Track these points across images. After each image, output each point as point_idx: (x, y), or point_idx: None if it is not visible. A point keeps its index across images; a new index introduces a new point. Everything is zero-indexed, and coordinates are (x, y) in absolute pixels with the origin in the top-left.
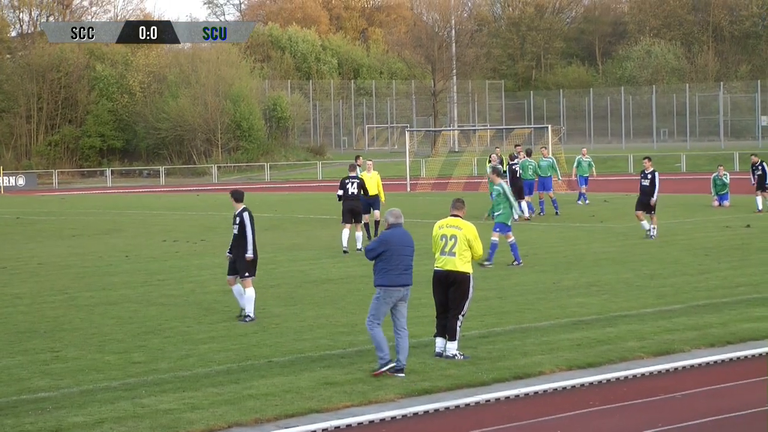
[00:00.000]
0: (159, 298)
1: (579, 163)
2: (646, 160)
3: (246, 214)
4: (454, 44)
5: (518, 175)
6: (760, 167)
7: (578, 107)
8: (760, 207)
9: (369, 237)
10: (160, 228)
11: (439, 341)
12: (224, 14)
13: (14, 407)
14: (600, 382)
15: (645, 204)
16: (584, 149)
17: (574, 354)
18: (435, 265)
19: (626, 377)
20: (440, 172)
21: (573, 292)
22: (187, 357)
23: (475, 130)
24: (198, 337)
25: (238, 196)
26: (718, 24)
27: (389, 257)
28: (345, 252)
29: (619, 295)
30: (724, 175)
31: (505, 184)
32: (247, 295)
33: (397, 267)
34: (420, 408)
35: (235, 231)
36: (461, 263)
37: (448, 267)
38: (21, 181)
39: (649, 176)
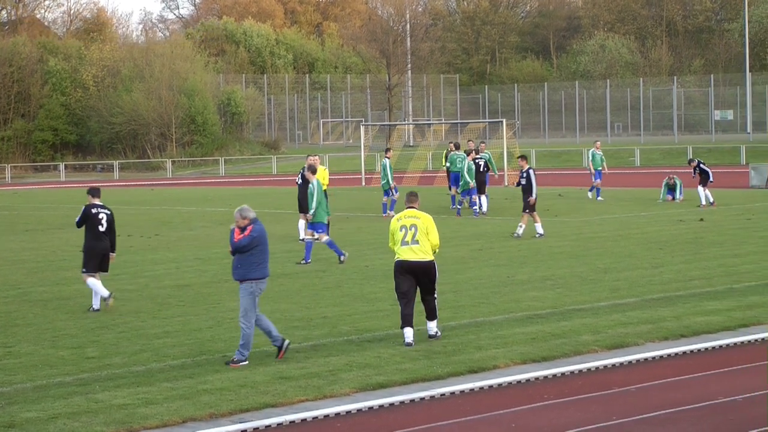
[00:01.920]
0: (113, 292)
1: (593, 156)
2: (521, 159)
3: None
4: (408, 38)
5: (481, 170)
6: (699, 167)
7: (533, 101)
8: (703, 201)
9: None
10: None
11: (408, 331)
12: (178, 8)
13: None
14: (554, 375)
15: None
16: (598, 142)
17: (529, 348)
18: (398, 257)
19: (580, 371)
20: (395, 166)
21: (527, 286)
22: (141, 352)
23: (430, 124)
24: (152, 332)
25: (94, 192)
26: (671, 18)
27: (261, 251)
28: (302, 241)
29: (573, 289)
30: (674, 178)
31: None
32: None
33: (264, 260)
34: (375, 402)
35: (104, 227)
36: (426, 251)
37: (412, 256)
38: None
39: (525, 175)
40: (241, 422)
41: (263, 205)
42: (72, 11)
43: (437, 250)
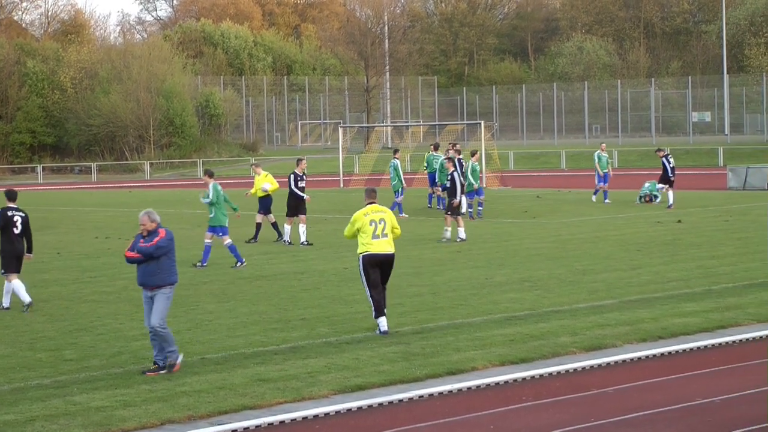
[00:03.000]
0: (91, 295)
1: (599, 158)
2: (448, 161)
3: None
4: (387, 40)
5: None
6: (666, 158)
7: (511, 103)
8: (671, 202)
9: (255, 236)
10: (92, 225)
11: (383, 320)
12: (156, 10)
13: None
14: (533, 377)
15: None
16: (603, 144)
17: (507, 349)
18: (368, 249)
19: (558, 372)
20: (373, 168)
21: (506, 288)
22: (119, 354)
23: (408, 126)
24: (130, 334)
25: (11, 195)
26: (649, 20)
27: (173, 255)
28: (290, 244)
29: (551, 291)
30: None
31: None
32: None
33: (175, 264)
34: (353, 404)
35: (18, 230)
36: (392, 244)
37: (383, 249)
38: None
39: (450, 177)
40: (219, 424)
41: (243, 207)
42: (49, 13)
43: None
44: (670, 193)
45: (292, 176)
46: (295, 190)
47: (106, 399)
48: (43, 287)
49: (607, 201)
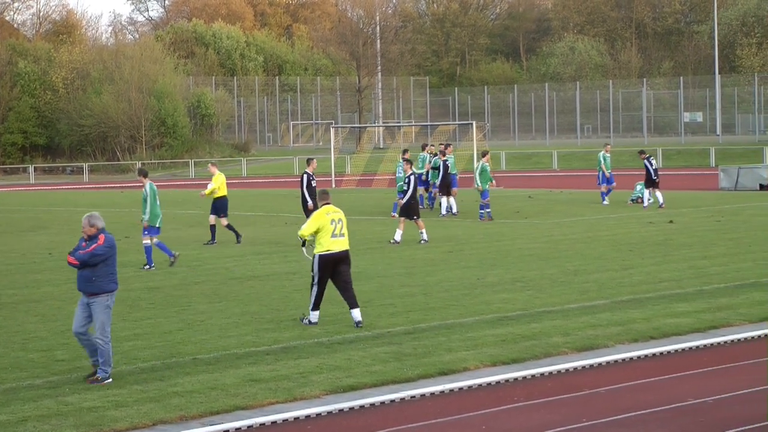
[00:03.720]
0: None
1: (604, 159)
2: (406, 163)
3: None
4: (378, 40)
5: (447, 171)
6: (648, 160)
7: (503, 103)
8: (661, 200)
9: (212, 238)
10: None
11: (356, 312)
12: (148, 10)
13: None
14: (524, 377)
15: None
16: (608, 145)
17: (499, 350)
18: (326, 248)
19: (550, 372)
20: (365, 168)
21: (498, 288)
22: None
23: (400, 126)
24: (122, 335)
25: None
26: (641, 21)
27: (114, 261)
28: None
29: (543, 291)
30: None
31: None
32: None
33: (116, 271)
34: (345, 404)
35: None
36: (348, 243)
37: (342, 247)
38: None
39: (407, 180)
40: (211, 425)
41: (233, 207)
42: (41, 13)
43: None
44: (659, 193)
45: (305, 177)
46: (305, 192)
47: (98, 399)
48: (36, 287)
49: (605, 202)
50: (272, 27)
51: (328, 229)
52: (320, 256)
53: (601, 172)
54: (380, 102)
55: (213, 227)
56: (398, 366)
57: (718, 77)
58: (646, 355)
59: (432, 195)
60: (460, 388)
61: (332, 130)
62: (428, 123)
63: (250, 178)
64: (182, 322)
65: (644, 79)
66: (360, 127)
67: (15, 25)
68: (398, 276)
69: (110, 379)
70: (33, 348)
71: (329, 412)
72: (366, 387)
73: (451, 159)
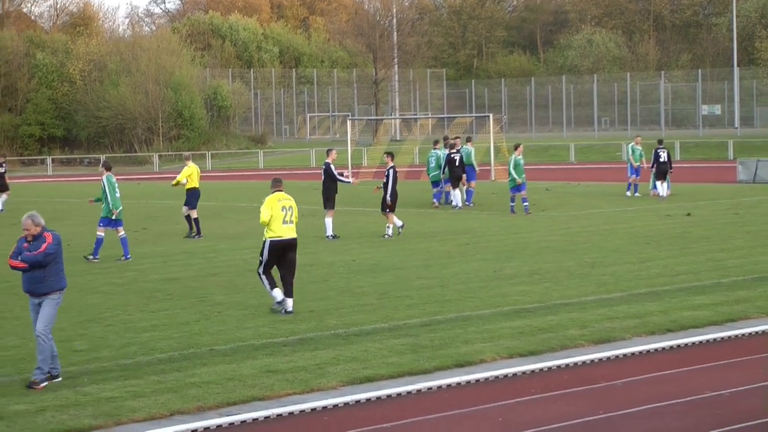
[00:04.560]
0: (101, 286)
1: (633, 150)
2: (387, 156)
3: None
4: (395, 33)
5: (456, 164)
6: (656, 152)
7: (520, 96)
8: (662, 193)
9: (198, 231)
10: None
11: (290, 302)
12: (164, 2)
13: None
14: (541, 369)
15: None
16: (638, 137)
17: (516, 342)
18: (276, 234)
19: (567, 365)
20: (382, 160)
21: (515, 281)
22: (129, 345)
23: (416, 118)
24: (140, 326)
25: None
26: (659, 13)
27: (61, 258)
28: (336, 237)
29: (560, 284)
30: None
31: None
32: None
33: (63, 267)
34: (362, 396)
35: None
36: (295, 231)
37: (291, 234)
38: None
39: (387, 173)
40: (228, 415)
41: (251, 200)
42: (58, 5)
43: None
44: (664, 185)
45: (331, 167)
46: (342, 178)
47: (116, 390)
48: None
49: (637, 194)
50: (288, 19)
51: (279, 216)
52: (270, 241)
53: (630, 165)
54: (397, 94)
55: (188, 218)
56: (415, 358)
57: (736, 70)
58: (663, 348)
59: (440, 191)
60: (477, 380)
61: (349, 122)
62: (445, 115)
63: (267, 170)
64: (199, 313)
65: (662, 72)
66: (376, 120)
67: (32, 17)
68: (415, 268)
69: (45, 383)
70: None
71: (346, 404)
72: (383, 378)
73: (466, 150)
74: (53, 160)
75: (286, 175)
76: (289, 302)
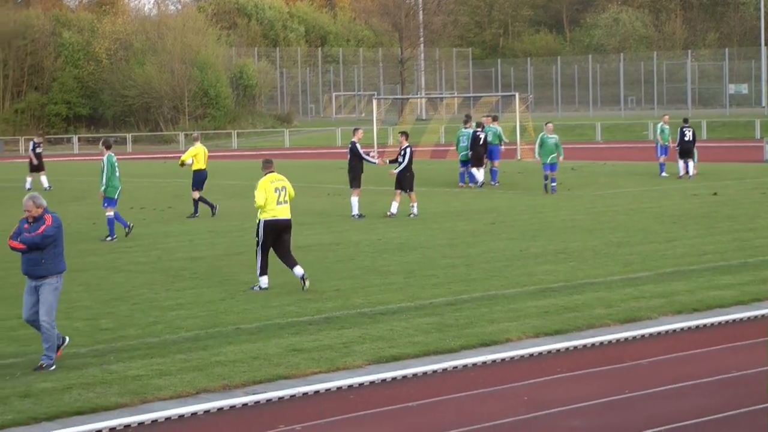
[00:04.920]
0: (127, 265)
1: (662, 130)
2: (401, 135)
3: None
4: (421, 11)
5: (480, 143)
6: (688, 132)
7: (546, 75)
8: (682, 172)
9: (195, 212)
10: (127, 195)
11: (267, 278)
12: None
13: None
14: (567, 349)
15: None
16: (666, 116)
17: (542, 321)
18: (271, 215)
19: (593, 344)
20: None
21: (540, 260)
22: (155, 324)
23: (442, 97)
24: (166, 304)
25: None
26: None
27: (61, 241)
28: (355, 216)
29: (586, 263)
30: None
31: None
32: None
33: (63, 250)
34: (388, 374)
35: None
36: (290, 210)
37: (286, 215)
38: None
39: (403, 153)
40: (254, 393)
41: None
42: None
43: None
44: (690, 163)
45: (357, 146)
46: (368, 158)
47: (142, 368)
48: (79, 257)
49: (665, 174)
50: None
51: (273, 197)
52: (264, 221)
53: (659, 144)
54: (423, 73)
55: (196, 201)
56: (440, 337)
57: (764, 48)
58: (689, 327)
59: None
60: (503, 359)
61: (374, 102)
62: (471, 94)
63: (293, 149)
64: (225, 292)
65: (689, 51)
66: (402, 99)
67: None
68: (440, 247)
69: (54, 366)
70: (78, 317)
71: (372, 382)
72: (408, 357)
73: (492, 130)
74: (79, 139)
75: (310, 155)
76: (298, 269)
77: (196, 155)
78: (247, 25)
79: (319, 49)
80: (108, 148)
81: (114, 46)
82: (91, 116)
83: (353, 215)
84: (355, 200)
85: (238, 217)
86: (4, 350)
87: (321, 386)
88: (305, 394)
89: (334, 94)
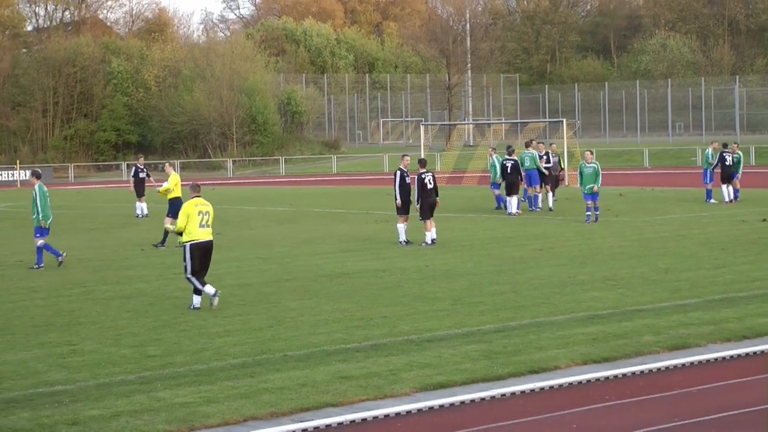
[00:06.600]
0: (174, 291)
1: (711, 156)
2: (418, 164)
3: None
4: (468, 38)
5: (509, 171)
6: (731, 157)
7: (593, 101)
8: (726, 198)
9: (163, 241)
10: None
11: (210, 288)
12: (239, 8)
13: (31, 400)
14: (615, 376)
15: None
16: (715, 143)
17: (590, 348)
18: (194, 237)
19: (642, 372)
20: (455, 165)
21: (588, 287)
22: (202, 350)
23: (490, 123)
24: (213, 331)
25: None
26: (733, 17)
27: None
28: (408, 243)
29: (634, 290)
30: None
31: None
32: None
33: None
34: (435, 402)
35: None
36: (212, 234)
37: (208, 237)
38: None
39: (426, 176)
40: (301, 421)
41: (325, 205)
42: (134, 12)
43: None
44: (727, 189)
45: (398, 173)
46: (397, 188)
47: (190, 395)
48: (127, 284)
49: (712, 201)
50: (362, 24)
51: (196, 220)
52: (189, 245)
53: (706, 170)
54: (470, 99)
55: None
56: (488, 364)
57: None
58: (738, 355)
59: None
60: (551, 387)
61: (422, 128)
62: (518, 120)
63: (341, 176)
64: (272, 318)
65: (737, 76)
66: (450, 125)
67: (108, 24)
68: (488, 274)
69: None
70: (125, 344)
71: (419, 410)
72: (456, 385)
73: (528, 155)
74: (128, 166)
75: (358, 181)
76: (210, 288)
77: (177, 184)
78: (295, 51)
79: (367, 75)
80: (38, 178)
81: (163, 73)
82: (140, 143)
83: (400, 242)
84: (401, 227)
85: (286, 244)
86: (53, 377)
87: (368, 414)
88: (353, 421)
89: (381, 120)
